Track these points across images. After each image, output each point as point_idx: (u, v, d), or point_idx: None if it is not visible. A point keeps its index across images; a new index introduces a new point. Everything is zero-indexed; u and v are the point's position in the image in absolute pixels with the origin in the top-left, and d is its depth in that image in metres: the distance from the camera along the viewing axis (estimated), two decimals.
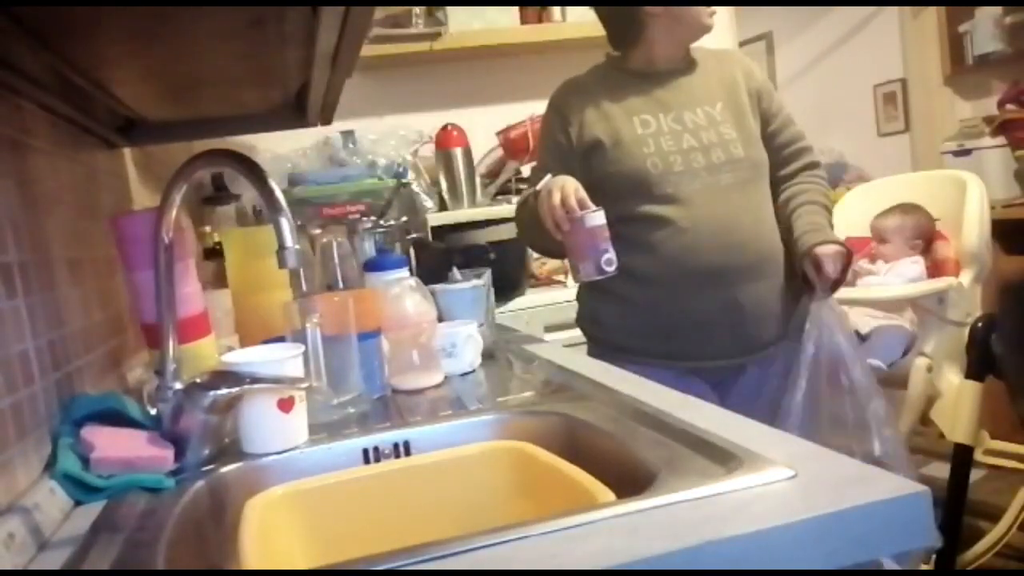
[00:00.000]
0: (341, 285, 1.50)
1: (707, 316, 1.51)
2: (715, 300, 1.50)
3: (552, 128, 1.61)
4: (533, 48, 2.75)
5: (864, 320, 2.12)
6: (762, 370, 1.56)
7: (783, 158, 1.63)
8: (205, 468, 0.94)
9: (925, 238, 2.17)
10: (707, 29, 1.58)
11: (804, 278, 1.54)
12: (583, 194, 1.39)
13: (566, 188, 1.39)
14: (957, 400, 1.98)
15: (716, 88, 1.59)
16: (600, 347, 1.61)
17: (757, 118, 1.60)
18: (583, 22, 2.62)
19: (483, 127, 2.62)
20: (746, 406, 1.05)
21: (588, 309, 1.66)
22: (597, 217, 1.38)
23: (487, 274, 1.49)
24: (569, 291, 2.22)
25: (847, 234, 2.25)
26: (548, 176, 1.46)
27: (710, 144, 1.53)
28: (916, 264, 2.14)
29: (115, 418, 0.98)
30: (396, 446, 1.01)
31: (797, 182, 1.62)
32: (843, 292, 2.01)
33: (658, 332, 1.54)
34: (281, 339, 1.13)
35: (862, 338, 2.06)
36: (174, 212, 1.01)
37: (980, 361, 1.96)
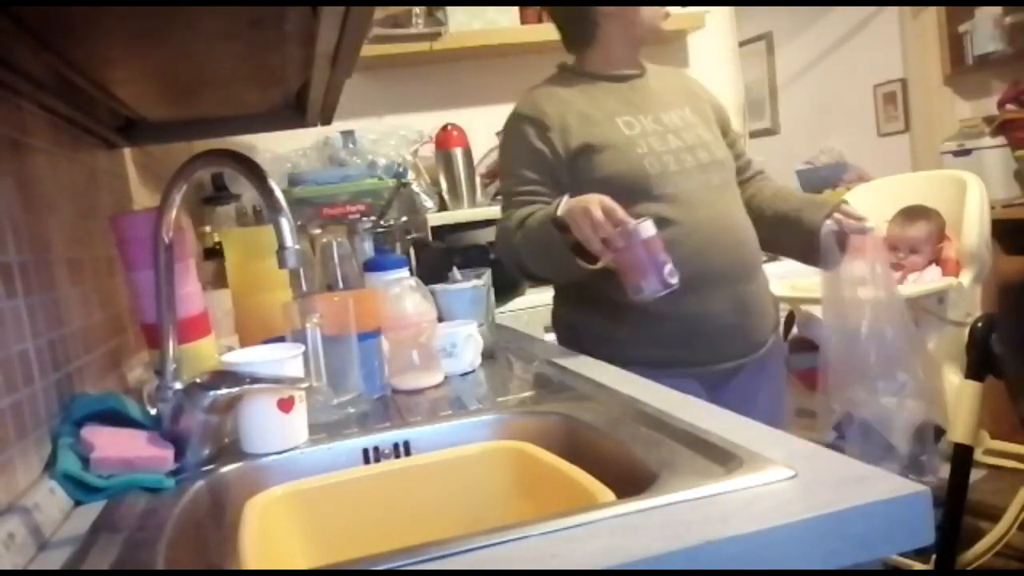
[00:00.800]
0: (341, 285, 1.50)
1: (716, 320, 1.47)
2: (722, 302, 1.46)
3: (528, 139, 1.52)
4: (533, 48, 2.74)
5: None
6: (757, 369, 1.54)
7: (737, 168, 1.65)
8: (205, 468, 0.94)
9: (942, 240, 2.15)
10: (660, 32, 1.59)
11: (811, 245, 1.49)
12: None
13: (605, 202, 1.29)
14: (957, 400, 1.98)
15: (679, 95, 1.61)
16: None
17: (718, 129, 1.62)
18: None
19: (483, 127, 2.62)
20: (742, 406, 1.03)
21: (565, 322, 1.61)
22: (650, 227, 1.27)
23: (487, 274, 1.49)
24: None
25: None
26: (565, 197, 1.36)
27: (694, 144, 1.52)
28: (938, 270, 2.12)
29: (115, 418, 0.98)
30: (396, 446, 1.01)
31: (757, 182, 1.68)
32: None
33: (656, 339, 1.47)
34: (281, 339, 1.13)
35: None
36: (174, 212, 1.01)
37: (980, 361, 1.96)
